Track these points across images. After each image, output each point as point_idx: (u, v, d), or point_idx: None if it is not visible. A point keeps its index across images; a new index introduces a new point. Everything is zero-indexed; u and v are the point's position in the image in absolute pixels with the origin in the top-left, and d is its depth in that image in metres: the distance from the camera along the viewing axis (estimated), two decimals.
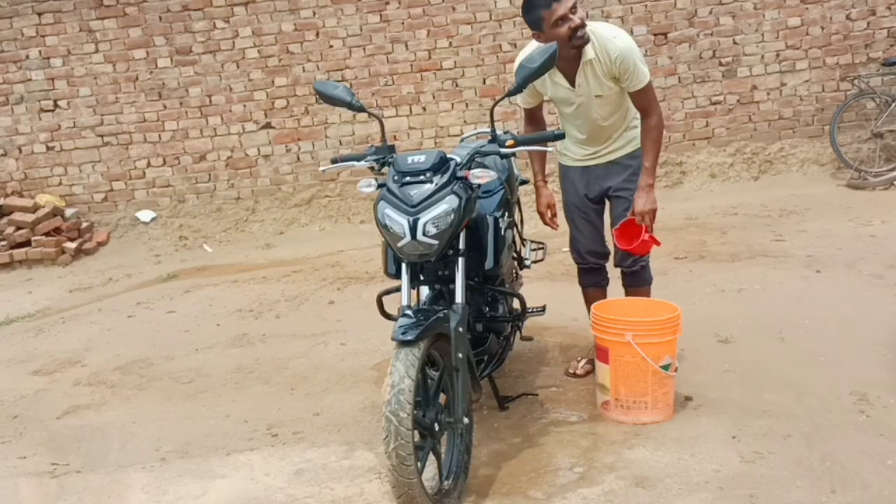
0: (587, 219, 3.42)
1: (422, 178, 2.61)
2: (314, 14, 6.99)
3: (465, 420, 2.63)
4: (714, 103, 7.13)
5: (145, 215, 7.18)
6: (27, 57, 7.02)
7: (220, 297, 5.50)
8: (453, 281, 2.71)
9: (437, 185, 2.59)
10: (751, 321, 3.99)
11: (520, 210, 3.78)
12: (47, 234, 6.74)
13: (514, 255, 3.55)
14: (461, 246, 2.72)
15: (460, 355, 2.58)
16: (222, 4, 6.95)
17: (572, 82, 3.13)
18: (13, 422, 3.69)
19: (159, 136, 7.14)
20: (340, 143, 7.16)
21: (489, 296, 3.19)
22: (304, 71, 7.06)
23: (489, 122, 2.86)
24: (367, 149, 2.93)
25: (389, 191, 2.64)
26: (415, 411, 2.36)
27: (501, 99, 2.84)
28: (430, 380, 2.58)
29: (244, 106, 7.11)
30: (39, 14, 6.97)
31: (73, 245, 6.73)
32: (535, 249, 3.84)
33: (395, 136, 7.01)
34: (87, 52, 7.02)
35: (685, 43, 7.03)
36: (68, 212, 6.98)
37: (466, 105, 7.12)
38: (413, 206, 2.56)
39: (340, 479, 2.86)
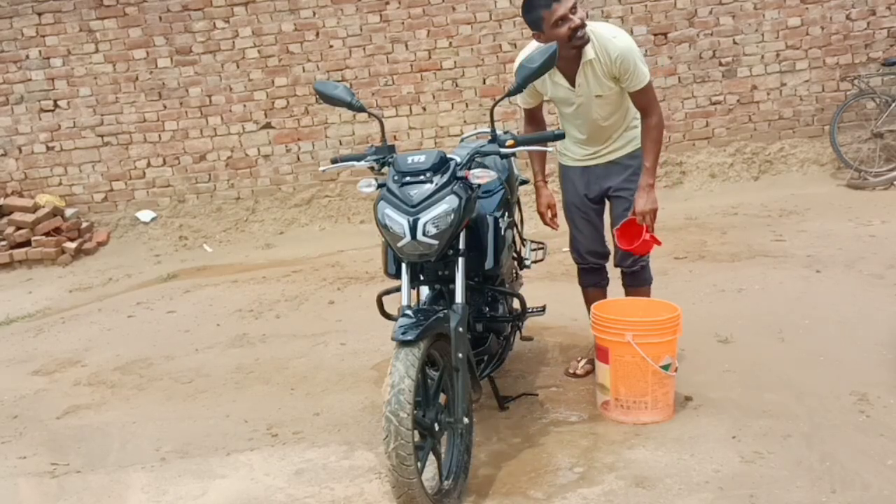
0: (587, 219, 3.42)
1: (422, 178, 2.61)
2: (314, 14, 6.99)
3: (465, 420, 2.63)
4: (714, 103, 7.13)
5: (145, 215, 7.18)
6: (27, 57, 7.02)
7: (220, 297, 5.50)
8: (453, 281, 2.71)
9: (437, 185, 2.59)
10: (751, 321, 3.98)
11: (520, 210, 3.78)
12: (47, 234, 6.74)
13: (514, 255, 3.55)
14: (461, 246, 2.72)
15: (460, 355, 2.58)
16: (222, 4, 6.95)
17: (572, 82, 3.13)
18: (13, 422, 3.69)
19: (159, 136, 7.14)
20: (340, 143, 7.16)
21: (489, 296, 3.19)
22: (304, 71, 7.06)
23: (489, 122, 2.86)
24: (367, 149, 2.93)
25: (389, 191, 2.64)
26: (415, 411, 2.36)
27: (501, 99, 2.84)
28: (430, 380, 2.58)
29: (244, 106, 7.11)
30: (39, 14, 6.97)
31: (73, 245, 6.73)
32: (535, 249, 3.84)
33: (395, 136, 7.01)
34: (87, 52, 7.02)
35: (685, 43, 7.03)
36: (68, 212, 6.98)
37: (466, 105, 7.12)
38: (413, 206, 2.56)
39: (340, 479, 2.86)
